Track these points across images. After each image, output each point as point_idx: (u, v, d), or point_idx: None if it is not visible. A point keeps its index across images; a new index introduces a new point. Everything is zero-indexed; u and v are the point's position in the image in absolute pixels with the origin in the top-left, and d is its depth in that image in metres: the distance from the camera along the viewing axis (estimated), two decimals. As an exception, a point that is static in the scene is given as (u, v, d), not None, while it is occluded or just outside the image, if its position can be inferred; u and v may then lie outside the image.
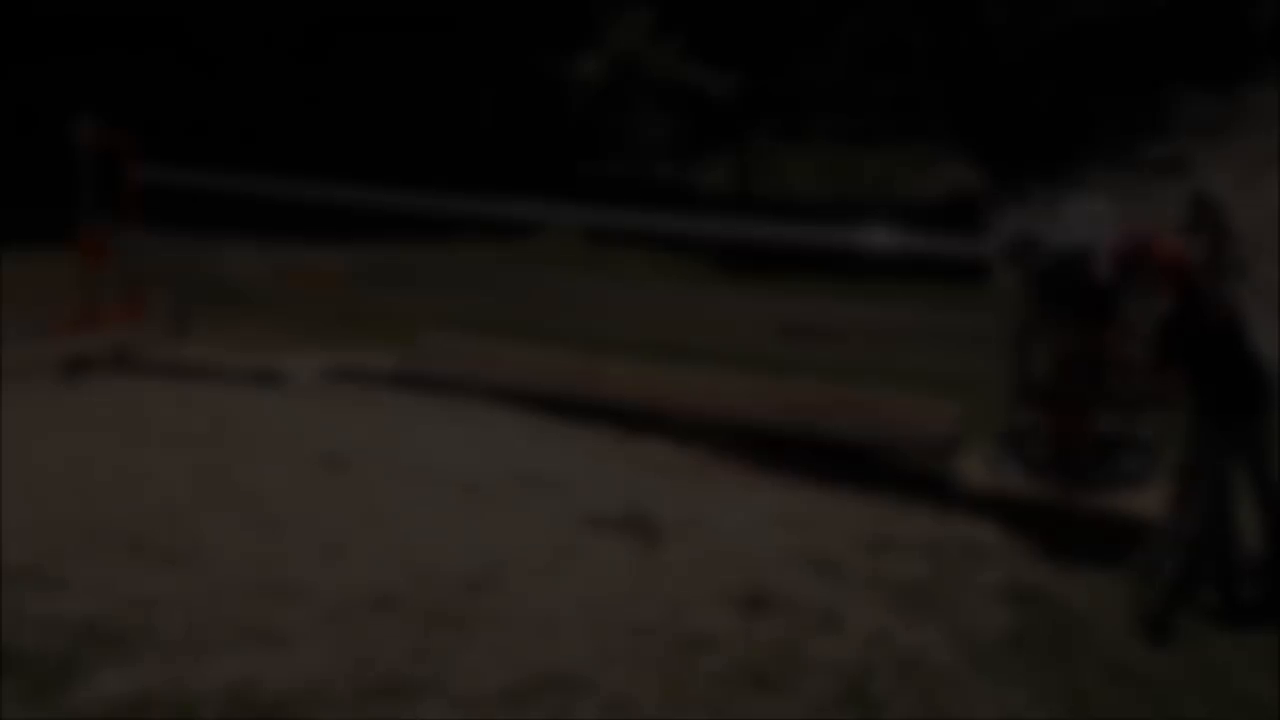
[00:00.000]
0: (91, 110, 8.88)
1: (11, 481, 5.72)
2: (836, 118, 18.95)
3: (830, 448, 7.07)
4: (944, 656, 4.67)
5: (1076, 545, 5.94)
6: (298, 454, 6.62)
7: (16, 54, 16.95)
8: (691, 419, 7.41)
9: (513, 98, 19.19)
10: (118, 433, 6.93)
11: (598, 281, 9.73)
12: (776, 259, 11.27)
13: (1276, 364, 5.56)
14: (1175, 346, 5.58)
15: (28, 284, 10.25)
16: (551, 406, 7.64)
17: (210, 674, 4.07)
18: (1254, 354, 5.54)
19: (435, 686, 4.12)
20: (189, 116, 16.40)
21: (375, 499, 6.00)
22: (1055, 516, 6.29)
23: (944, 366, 7.20)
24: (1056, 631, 5.13)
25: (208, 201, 8.73)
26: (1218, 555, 5.46)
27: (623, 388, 7.85)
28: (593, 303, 8.30)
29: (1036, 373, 6.41)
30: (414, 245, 11.15)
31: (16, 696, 3.94)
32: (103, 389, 8.13)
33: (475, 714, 4.00)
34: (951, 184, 17.63)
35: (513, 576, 5.06)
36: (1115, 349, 6.13)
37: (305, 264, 8.74)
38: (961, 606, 5.22)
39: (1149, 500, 6.12)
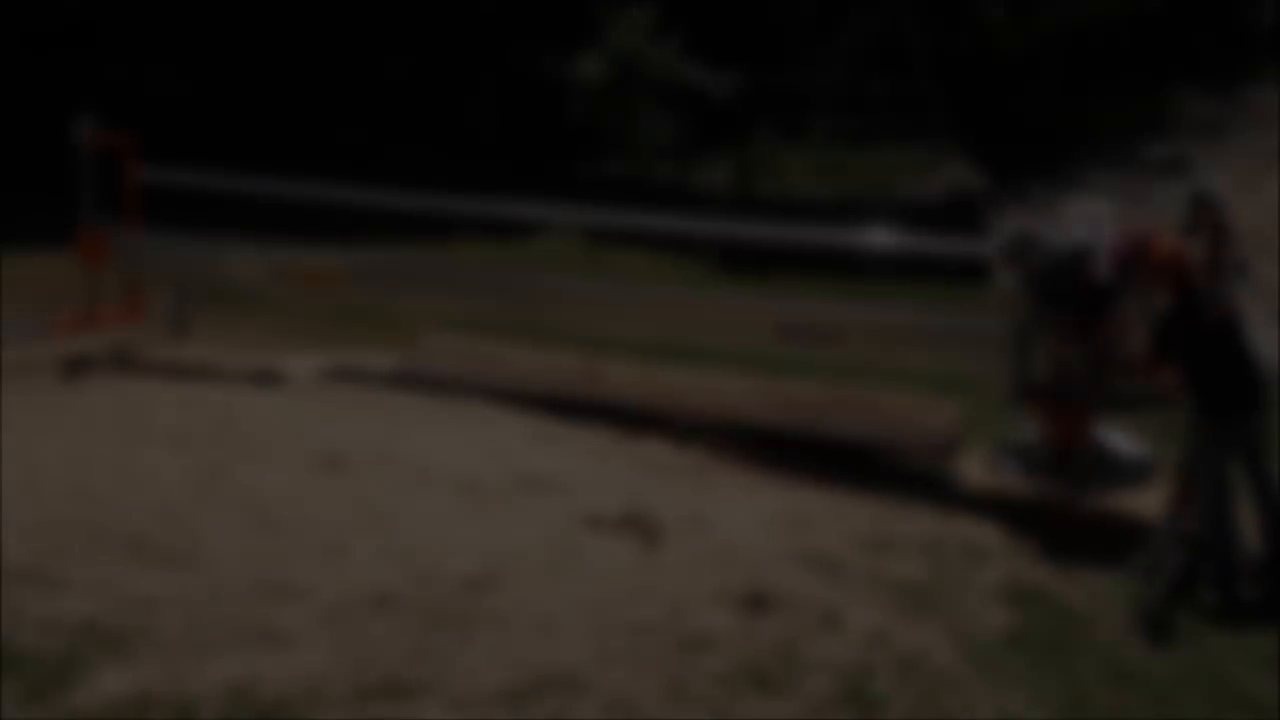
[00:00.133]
0: (91, 111, 8.88)
1: (12, 481, 5.73)
2: (836, 118, 18.92)
3: (830, 448, 7.07)
4: (944, 656, 4.67)
5: (1076, 545, 5.93)
6: (298, 454, 6.63)
7: (16, 54, 16.95)
8: (691, 419, 7.42)
9: (513, 98, 19.20)
10: (118, 433, 6.94)
11: (598, 281, 9.71)
12: (776, 259, 11.25)
13: (1275, 363, 5.57)
14: (1173, 346, 5.59)
15: (28, 284, 10.27)
16: (551, 406, 7.65)
17: (210, 674, 4.08)
18: (1251, 353, 5.55)
19: (435, 686, 4.12)
20: (188, 117, 16.41)
21: (375, 499, 6.00)
22: (1055, 516, 6.29)
23: (944, 366, 7.22)
24: (1056, 632, 5.13)
25: (208, 201, 8.73)
26: (1218, 555, 5.46)
27: (623, 388, 7.85)
28: (593, 303, 8.29)
29: (1036, 373, 6.42)
30: (414, 245, 11.15)
31: (16, 696, 3.95)
32: (103, 389, 8.14)
33: (475, 714, 4.00)
34: (951, 184, 17.60)
35: (513, 576, 5.06)
36: (1115, 349, 6.13)
37: (305, 264, 8.73)
38: (961, 606, 5.22)
39: (1149, 500, 6.13)
